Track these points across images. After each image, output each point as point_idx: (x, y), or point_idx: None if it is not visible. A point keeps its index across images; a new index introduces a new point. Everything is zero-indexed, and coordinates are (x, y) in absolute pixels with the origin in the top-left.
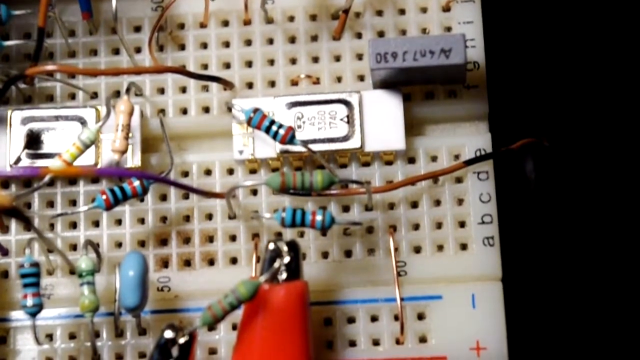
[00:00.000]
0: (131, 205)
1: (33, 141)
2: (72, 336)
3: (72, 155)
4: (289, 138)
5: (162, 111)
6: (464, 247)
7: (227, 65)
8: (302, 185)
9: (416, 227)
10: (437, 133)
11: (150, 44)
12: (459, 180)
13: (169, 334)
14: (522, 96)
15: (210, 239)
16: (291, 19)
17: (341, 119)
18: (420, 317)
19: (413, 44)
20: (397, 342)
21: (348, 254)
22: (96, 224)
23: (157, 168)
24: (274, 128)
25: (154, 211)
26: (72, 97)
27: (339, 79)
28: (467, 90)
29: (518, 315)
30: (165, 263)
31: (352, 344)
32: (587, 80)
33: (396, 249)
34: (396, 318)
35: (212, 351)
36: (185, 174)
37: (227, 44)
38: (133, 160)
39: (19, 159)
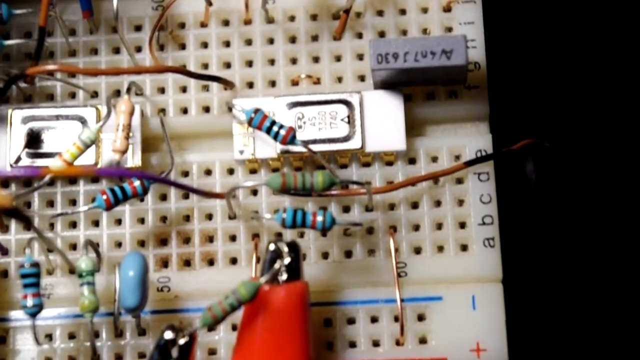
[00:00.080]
0: (131, 205)
1: (33, 140)
2: (71, 336)
3: (72, 155)
4: (290, 139)
5: (163, 111)
6: (464, 248)
7: (228, 65)
8: (302, 186)
9: (416, 227)
10: (437, 134)
11: (150, 44)
12: (459, 181)
13: (169, 334)
14: (522, 97)
15: (210, 239)
16: (292, 18)
17: (342, 120)
18: (421, 318)
19: (414, 44)
20: (397, 343)
21: (348, 254)
22: (96, 223)
23: (157, 168)
24: (275, 129)
25: (154, 211)
26: (73, 96)
27: (340, 79)
28: (468, 91)
29: (518, 316)
30: (165, 263)
31: (352, 344)
32: (588, 80)
33: (396, 250)
34: (396, 319)
35: (212, 352)
36: (186, 174)
37: (227, 44)
38: (133, 159)
39: (19, 158)
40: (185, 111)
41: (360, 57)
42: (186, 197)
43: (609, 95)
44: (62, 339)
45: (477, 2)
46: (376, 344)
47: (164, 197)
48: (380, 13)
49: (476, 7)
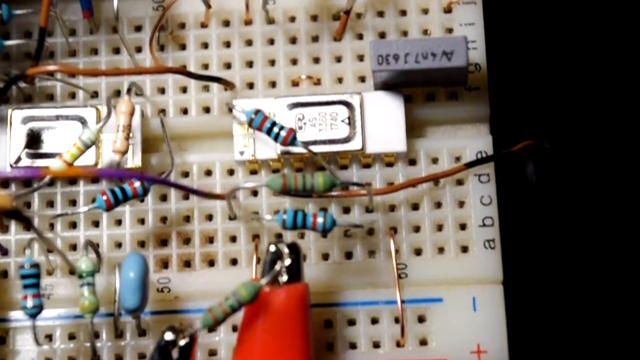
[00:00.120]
0: (131, 205)
1: (33, 140)
2: (71, 337)
3: (72, 156)
4: (290, 140)
5: (163, 111)
6: (464, 249)
7: (228, 66)
8: (303, 188)
9: (417, 229)
10: (438, 135)
11: (151, 44)
12: (460, 182)
13: (169, 335)
14: (523, 98)
15: (211, 240)
16: (292, 19)
17: (342, 121)
18: (421, 319)
19: (415, 46)
20: (398, 344)
21: (349, 255)
22: (96, 224)
23: (157, 168)
24: (275, 130)
25: (154, 211)
26: (73, 96)
27: (340, 80)
28: (469, 92)
29: (519, 318)
30: (165, 264)
31: (353, 346)
32: (589, 82)
33: (397, 251)
34: (397, 320)
35: (212, 353)
36: (186, 175)
37: (228, 44)
38: (133, 160)
39: (19, 159)
40: (185, 112)
41: (361, 58)
42: (186, 197)
43: (610, 96)
44: (62, 339)
45: (477, 3)
46: (377, 345)
47: (164, 198)
48: (380, 14)
49: (477, 8)
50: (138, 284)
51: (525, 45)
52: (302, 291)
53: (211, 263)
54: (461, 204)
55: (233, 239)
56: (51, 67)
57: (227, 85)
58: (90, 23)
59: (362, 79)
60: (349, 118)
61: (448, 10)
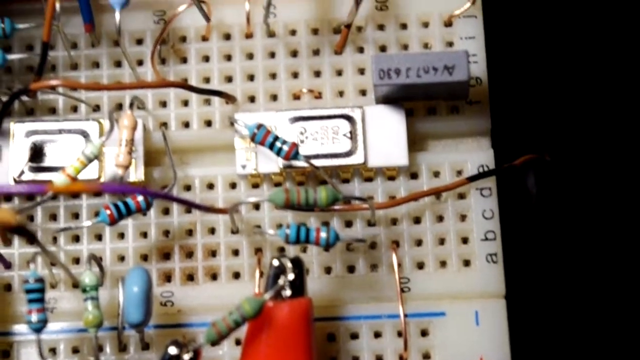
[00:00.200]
0: (134, 219)
1: (36, 154)
2: (75, 350)
3: (76, 170)
4: (293, 154)
5: (165, 124)
6: (467, 263)
7: (229, 79)
8: (306, 202)
9: (419, 243)
10: (439, 149)
11: (152, 57)
12: (461, 196)
13: (173, 350)
14: (524, 112)
15: (213, 254)
16: (293, 32)
17: (344, 134)
18: (424, 333)
19: (416, 60)
20: (401, 358)
21: (351, 269)
22: (99, 237)
23: (159, 182)
24: (278, 144)
25: (157, 225)
26: (75, 109)
27: (341, 93)
28: (470, 106)
29: (521, 332)
30: (168, 277)
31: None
32: (589, 95)
33: (399, 265)
34: (399, 334)
35: None
36: (188, 188)
37: (229, 58)
38: (136, 174)
39: (22, 172)
40: (187, 125)
41: (362, 71)
42: (189, 211)
43: (610, 109)
44: (66, 353)
45: (478, 16)
46: (379, 359)
47: (166, 211)
48: (381, 27)
49: (477, 21)
50: (142, 298)
51: (525, 59)
52: (306, 306)
53: (214, 277)
54: (463, 217)
55: (235, 253)
56: (54, 82)
57: (229, 98)
58: (91, 36)
59: (363, 93)
60: (350, 132)
61: (449, 23)
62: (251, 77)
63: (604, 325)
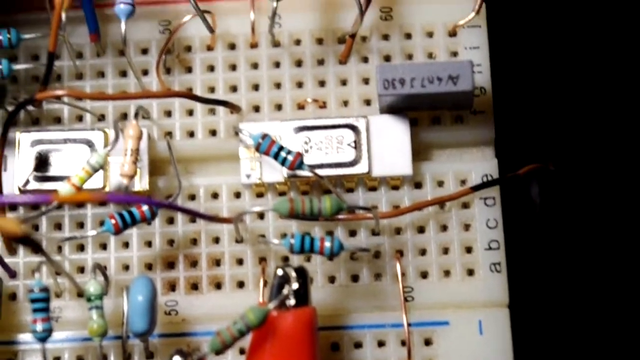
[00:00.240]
0: (138, 228)
1: (41, 163)
2: (80, 359)
3: (81, 180)
4: (298, 164)
5: (169, 134)
6: (470, 272)
7: (234, 89)
8: (310, 212)
9: (423, 252)
10: (443, 158)
11: (157, 67)
12: (465, 205)
13: (177, 359)
14: (528, 121)
15: (218, 263)
16: (298, 42)
17: (348, 144)
18: (428, 342)
19: (420, 70)
20: None
21: (355, 278)
22: (104, 246)
23: (164, 191)
24: (283, 154)
25: (161, 234)
26: (80, 119)
27: (346, 103)
28: (474, 116)
29: (525, 341)
30: (172, 286)
31: None
32: (594, 105)
33: (403, 274)
34: (403, 343)
35: None
36: (193, 197)
37: (233, 67)
38: (141, 183)
39: (27, 181)
40: (192, 134)
41: (366, 81)
42: (193, 220)
43: (614, 119)
44: None
45: (482, 26)
46: None
47: (171, 221)
48: (385, 37)
49: (481, 31)
50: (146, 308)
51: (529, 69)
52: (310, 315)
53: (218, 286)
54: (467, 227)
55: (240, 262)
56: (59, 92)
57: (233, 108)
58: (97, 46)
59: (368, 102)
60: (355, 141)
61: (453, 33)
62: (256, 87)
63: (608, 334)
